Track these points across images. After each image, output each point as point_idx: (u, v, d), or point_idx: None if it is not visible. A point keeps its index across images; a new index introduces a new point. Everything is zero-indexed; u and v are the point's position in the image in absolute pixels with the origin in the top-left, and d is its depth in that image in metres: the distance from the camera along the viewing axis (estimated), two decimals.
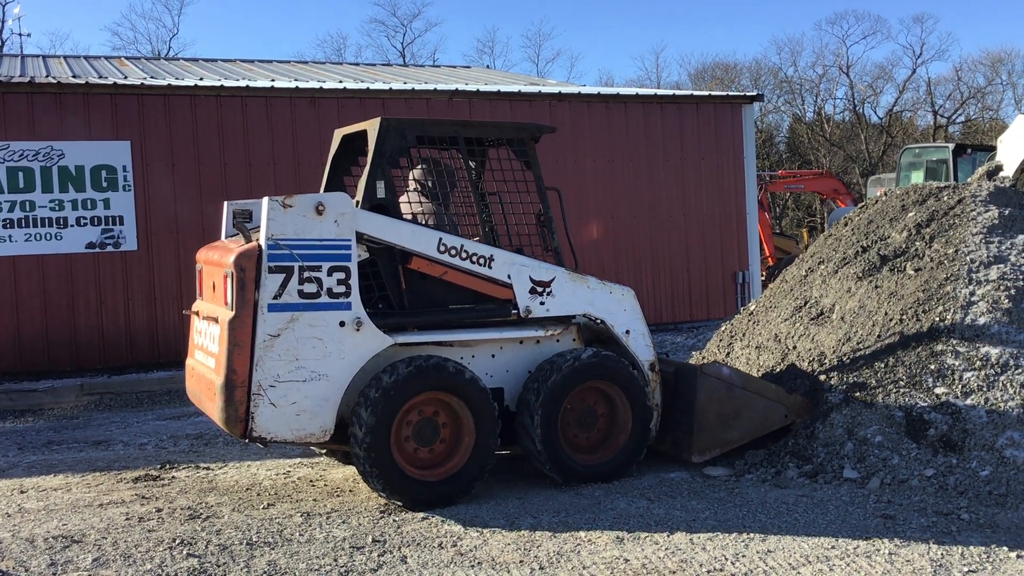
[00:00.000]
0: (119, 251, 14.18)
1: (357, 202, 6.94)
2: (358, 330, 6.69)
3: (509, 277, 7.23)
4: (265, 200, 6.56)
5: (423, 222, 7.37)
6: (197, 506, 7.15)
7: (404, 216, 7.31)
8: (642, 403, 7.51)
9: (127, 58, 22.69)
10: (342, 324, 6.65)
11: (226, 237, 7.90)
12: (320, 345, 6.58)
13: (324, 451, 8.29)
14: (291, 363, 6.50)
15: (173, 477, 8.19)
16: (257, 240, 6.61)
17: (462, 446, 6.95)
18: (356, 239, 6.78)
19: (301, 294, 6.55)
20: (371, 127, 7.38)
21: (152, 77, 15.93)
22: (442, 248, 7.04)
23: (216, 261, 7.07)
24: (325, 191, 8.00)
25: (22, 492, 7.86)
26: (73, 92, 14.09)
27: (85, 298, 14.01)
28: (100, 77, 15.43)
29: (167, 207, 14.36)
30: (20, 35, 49.53)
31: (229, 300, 6.58)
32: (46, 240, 13.80)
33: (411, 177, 7.79)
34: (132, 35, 75.48)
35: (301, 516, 6.77)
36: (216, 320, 6.77)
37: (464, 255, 7.10)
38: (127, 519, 6.85)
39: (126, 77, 15.71)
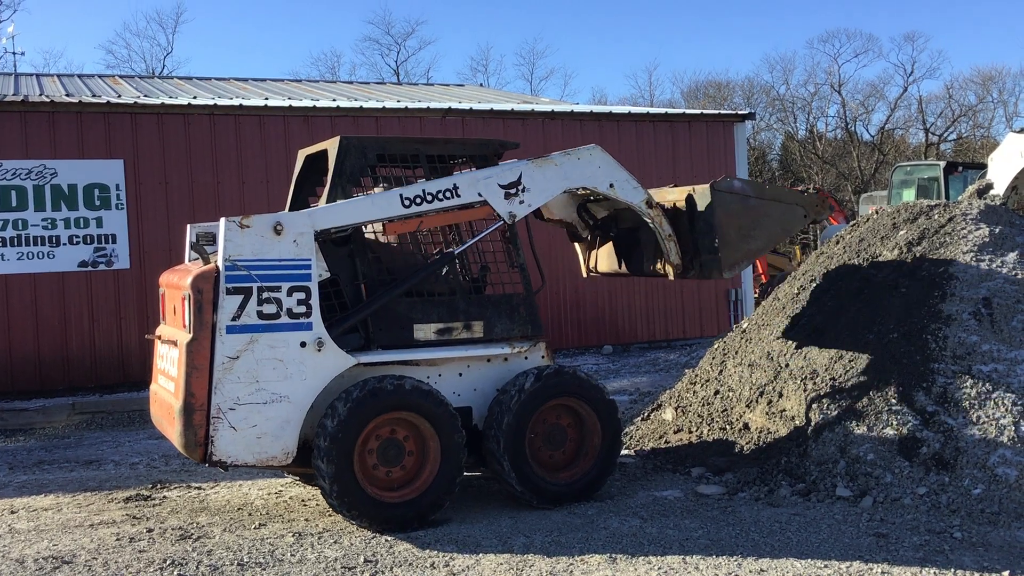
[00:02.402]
0: (111, 269, 14.16)
1: (318, 235, 6.85)
2: (320, 351, 6.64)
3: (480, 195, 7.20)
4: (222, 221, 6.51)
5: (387, 242, 7.34)
6: (188, 526, 7.11)
7: (366, 236, 7.29)
8: (604, 402, 7.45)
9: (121, 76, 22.73)
10: (303, 345, 6.59)
11: (189, 260, 7.88)
12: (281, 366, 6.53)
13: (289, 474, 8.22)
14: (251, 385, 6.44)
15: (164, 497, 8.15)
16: (215, 261, 6.57)
17: (430, 454, 6.89)
18: (320, 246, 6.71)
19: (260, 315, 6.49)
20: (331, 146, 7.36)
21: (146, 96, 15.96)
22: (406, 202, 6.98)
23: (175, 284, 7.04)
24: (290, 211, 7.98)
25: (12, 512, 7.82)
26: (67, 111, 14.10)
27: (77, 317, 13.97)
28: (94, 96, 15.46)
29: (160, 225, 14.35)
30: (14, 54, 49.48)
31: (187, 323, 6.54)
32: (38, 259, 13.78)
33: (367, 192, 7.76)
34: (126, 53, 75.52)
35: (293, 536, 6.74)
36: (176, 344, 6.72)
37: (430, 197, 7.05)
38: (118, 539, 6.82)
39: (120, 96, 15.73)
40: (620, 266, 8.51)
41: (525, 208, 7.34)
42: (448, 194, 7.10)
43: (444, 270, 7.69)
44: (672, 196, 8.09)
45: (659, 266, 8.05)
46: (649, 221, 7.78)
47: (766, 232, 7.82)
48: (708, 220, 7.66)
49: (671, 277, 7.99)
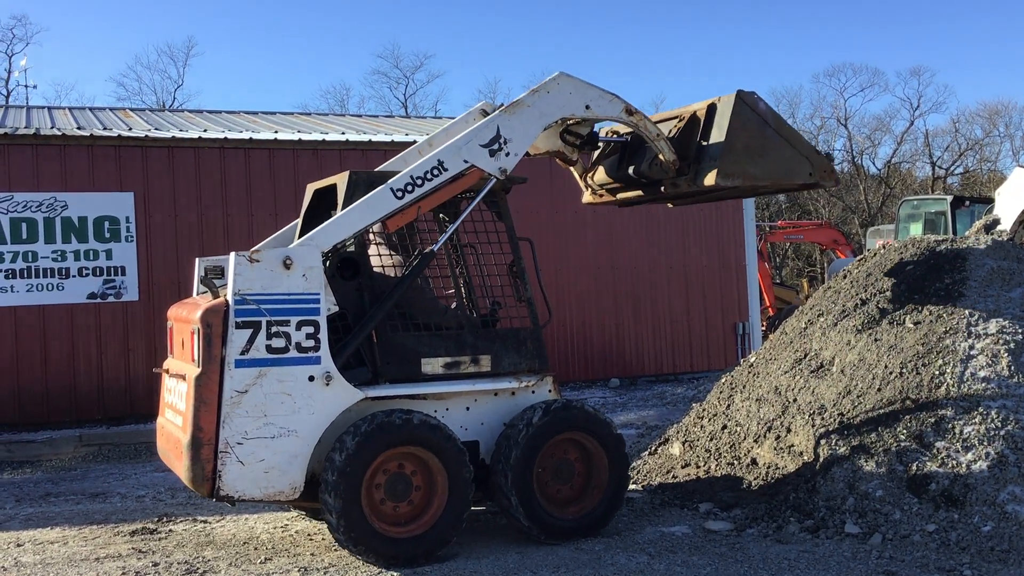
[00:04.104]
0: (120, 301, 14.21)
1: (327, 256, 6.91)
2: (328, 385, 6.62)
3: (466, 161, 7.19)
4: (232, 255, 6.54)
5: (394, 275, 7.37)
6: (194, 560, 7.09)
7: (375, 269, 7.30)
8: (612, 437, 7.42)
9: (132, 109, 22.91)
10: (311, 379, 6.59)
11: (197, 294, 7.92)
12: (289, 401, 6.52)
13: (295, 508, 8.19)
14: (259, 419, 6.42)
15: (170, 530, 8.13)
16: (224, 296, 6.59)
17: (438, 489, 6.86)
18: (329, 280, 6.73)
19: (269, 349, 6.49)
20: (340, 180, 7.41)
21: (156, 129, 16.08)
22: (398, 193, 6.97)
23: (184, 318, 7.05)
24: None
25: (19, 545, 7.81)
26: (78, 144, 14.23)
27: (85, 348, 14.01)
28: (104, 129, 15.57)
29: (169, 258, 14.43)
30: (26, 87, 50.09)
31: (196, 356, 6.54)
32: (47, 290, 13.85)
33: (378, 230, 7.79)
34: (137, 86, 76.19)
35: (298, 571, 6.71)
36: (184, 377, 6.72)
37: (419, 180, 7.03)
38: (123, 573, 6.80)
39: (130, 129, 15.85)
40: (618, 172, 8.42)
41: (512, 159, 7.33)
42: (436, 171, 7.10)
43: (453, 304, 7.71)
44: (695, 107, 8.05)
45: (655, 167, 7.94)
46: (634, 128, 7.80)
47: (770, 166, 7.67)
48: (722, 125, 7.58)
49: (665, 185, 7.89)
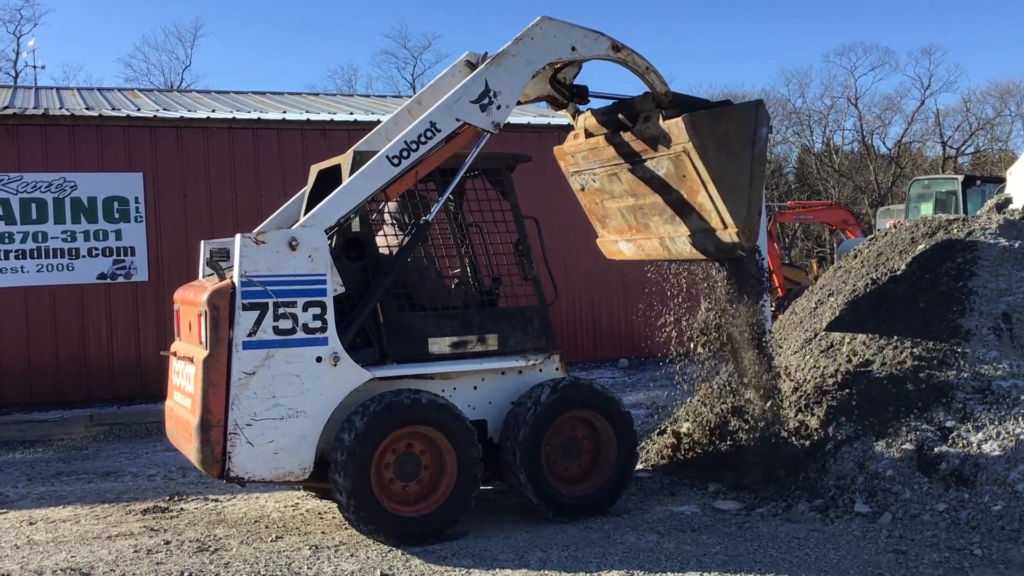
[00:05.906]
0: (130, 282, 14.24)
1: (332, 233, 6.88)
2: (335, 365, 6.63)
3: (458, 119, 7.10)
4: (238, 237, 6.54)
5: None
6: (205, 539, 7.13)
7: (380, 250, 7.28)
8: (620, 414, 7.43)
9: (140, 90, 22.88)
10: (319, 360, 6.60)
11: (203, 276, 7.91)
12: (297, 382, 6.53)
13: (304, 489, 8.23)
14: (267, 401, 6.44)
15: (182, 509, 8.17)
16: (231, 278, 6.59)
17: (447, 468, 6.88)
18: (335, 261, 6.71)
19: (276, 330, 6.50)
20: (344, 161, 7.37)
21: (165, 109, 16.06)
22: (394, 160, 6.91)
23: (191, 300, 7.06)
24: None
25: (31, 523, 7.86)
26: (86, 124, 14.22)
27: (95, 329, 14.05)
28: (113, 109, 15.57)
29: (178, 238, 14.43)
30: (35, 67, 49.86)
31: (203, 339, 6.56)
32: (58, 271, 13.89)
33: (386, 211, 7.76)
34: (145, 67, 75.82)
35: (309, 549, 6.75)
36: (192, 360, 6.74)
37: (414, 145, 6.96)
38: (135, 551, 6.84)
39: (139, 109, 15.84)
40: (606, 111, 8.34)
41: (504, 112, 7.23)
42: (429, 133, 7.01)
43: (456, 282, 7.71)
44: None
45: (646, 100, 7.89)
46: (622, 64, 7.68)
47: (724, 170, 7.45)
48: (724, 107, 7.60)
49: (639, 120, 7.79)
